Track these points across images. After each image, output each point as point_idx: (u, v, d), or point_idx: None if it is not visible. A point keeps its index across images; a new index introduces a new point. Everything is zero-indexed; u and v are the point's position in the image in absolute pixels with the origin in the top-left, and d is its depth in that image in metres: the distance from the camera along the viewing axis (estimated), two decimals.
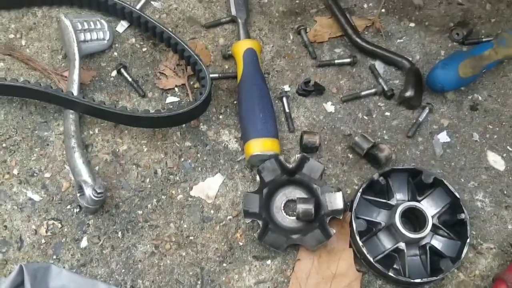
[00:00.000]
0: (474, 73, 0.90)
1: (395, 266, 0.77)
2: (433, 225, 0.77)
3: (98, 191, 0.76)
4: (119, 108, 0.83)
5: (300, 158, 0.83)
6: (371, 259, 0.76)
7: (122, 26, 0.96)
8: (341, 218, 0.79)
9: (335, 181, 0.86)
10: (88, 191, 0.77)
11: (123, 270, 0.78)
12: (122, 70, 0.92)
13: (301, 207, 0.79)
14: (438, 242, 0.80)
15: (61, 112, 0.87)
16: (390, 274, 0.75)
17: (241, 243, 0.81)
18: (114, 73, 0.92)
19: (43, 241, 0.79)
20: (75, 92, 0.85)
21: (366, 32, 0.99)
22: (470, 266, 0.81)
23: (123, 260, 0.78)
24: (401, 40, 0.99)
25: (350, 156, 0.88)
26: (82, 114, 0.86)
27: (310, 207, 0.79)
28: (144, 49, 0.95)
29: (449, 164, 0.89)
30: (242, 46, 0.91)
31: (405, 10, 1.02)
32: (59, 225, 0.80)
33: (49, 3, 0.96)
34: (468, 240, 0.77)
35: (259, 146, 0.83)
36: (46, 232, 0.80)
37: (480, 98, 0.95)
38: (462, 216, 0.78)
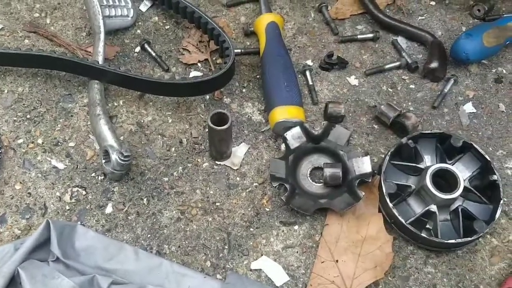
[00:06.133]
0: (498, 42, 0.89)
1: (427, 226, 0.75)
2: (464, 188, 0.75)
3: (125, 154, 0.75)
4: (145, 76, 0.82)
5: (326, 124, 0.82)
6: (403, 221, 0.74)
7: (145, 5, 0.97)
8: (369, 181, 0.77)
9: (360, 150, 0.85)
10: (115, 155, 0.76)
11: (148, 235, 0.76)
12: (146, 46, 0.92)
13: (328, 171, 0.78)
14: (469, 207, 0.78)
15: (85, 85, 0.88)
16: (423, 235, 0.73)
17: (267, 209, 0.79)
18: (137, 49, 0.93)
19: (67, 207, 0.78)
20: (101, 62, 0.85)
21: (388, 10, 1.00)
22: (503, 232, 0.79)
23: (148, 226, 0.77)
24: (423, 17, 0.99)
25: (376, 126, 0.87)
26: (107, 84, 0.86)
27: (337, 170, 0.78)
28: (167, 27, 0.96)
29: (476, 133, 0.87)
30: (264, 20, 0.91)
31: None
32: (84, 192, 0.79)
33: None
34: (501, 202, 0.75)
35: (284, 113, 0.82)
36: (71, 199, 0.79)
37: (504, 71, 0.94)
38: (495, 177, 0.76)
